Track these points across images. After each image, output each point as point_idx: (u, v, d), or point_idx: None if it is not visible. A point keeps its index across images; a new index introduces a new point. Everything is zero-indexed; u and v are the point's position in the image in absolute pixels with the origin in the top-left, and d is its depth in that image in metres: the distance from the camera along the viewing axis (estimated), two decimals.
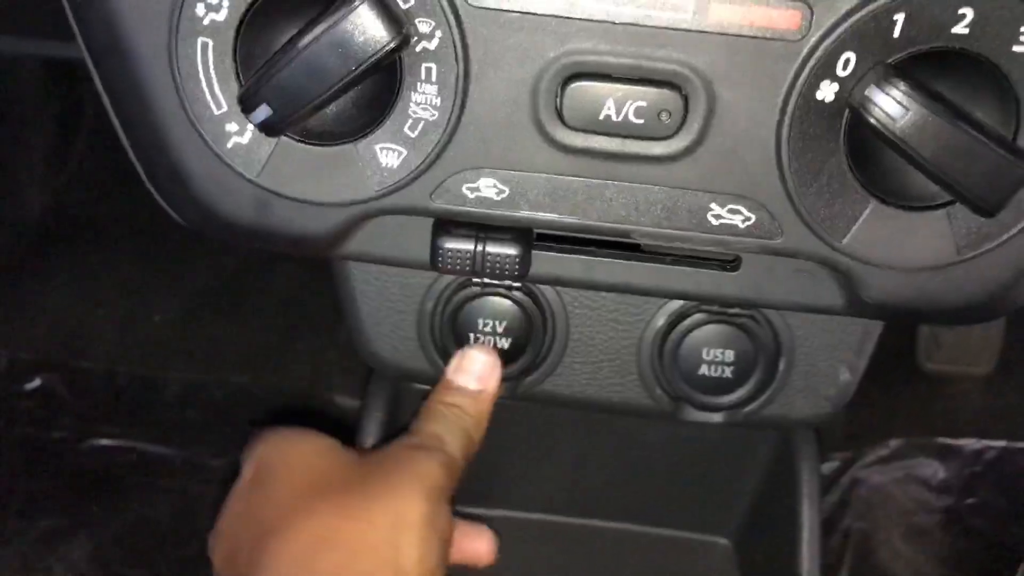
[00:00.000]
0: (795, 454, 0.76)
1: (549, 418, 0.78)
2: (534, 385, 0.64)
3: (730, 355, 0.65)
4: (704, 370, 0.64)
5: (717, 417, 0.65)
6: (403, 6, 0.38)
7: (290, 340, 1.36)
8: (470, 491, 0.83)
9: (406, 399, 0.74)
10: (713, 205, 0.42)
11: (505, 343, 0.61)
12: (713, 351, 0.65)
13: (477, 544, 0.67)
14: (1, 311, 1.39)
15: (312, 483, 0.51)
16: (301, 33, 0.37)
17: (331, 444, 0.56)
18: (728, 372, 0.65)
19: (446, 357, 0.62)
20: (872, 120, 0.37)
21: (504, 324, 0.61)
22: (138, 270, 1.42)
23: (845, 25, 0.37)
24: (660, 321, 0.61)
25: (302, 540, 0.48)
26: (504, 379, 0.63)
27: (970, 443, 1.32)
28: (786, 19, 0.37)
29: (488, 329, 0.60)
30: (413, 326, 0.61)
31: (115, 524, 1.22)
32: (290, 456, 0.54)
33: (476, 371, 0.60)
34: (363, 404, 0.73)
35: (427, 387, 0.61)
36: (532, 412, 0.71)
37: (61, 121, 1.47)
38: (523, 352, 0.62)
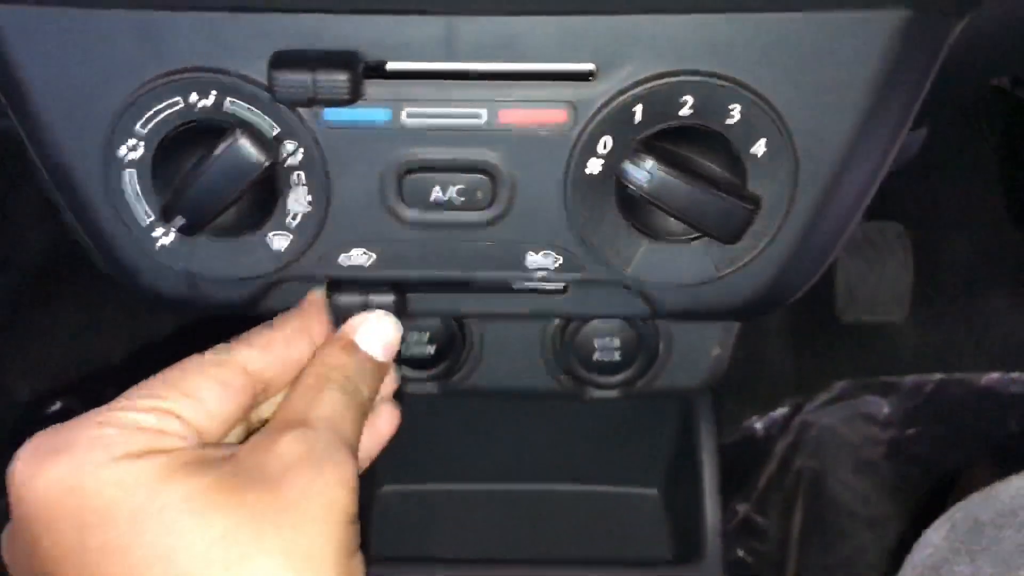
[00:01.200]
0: (695, 413, 0.89)
1: (485, 404, 0.90)
2: (460, 382, 0.76)
3: (616, 342, 0.78)
4: (598, 356, 0.77)
5: (614, 393, 0.78)
6: (271, 133, 0.50)
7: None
8: (415, 468, 0.96)
9: None
10: (529, 253, 0.54)
11: (431, 349, 0.74)
12: (602, 340, 0.77)
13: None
14: (18, 345, 1.51)
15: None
16: (199, 162, 0.49)
17: (159, 464, 0.37)
18: (617, 356, 0.77)
19: None
20: (628, 185, 0.49)
21: (428, 333, 0.73)
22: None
23: (599, 117, 0.49)
24: (556, 320, 0.73)
25: None
26: (433, 379, 0.76)
27: (909, 379, 1.40)
28: (556, 116, 0.49)
29: (415, 339, 0.73)
30: None
31: None
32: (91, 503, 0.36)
33: (385, 339, 0.51)
34: None
35: None
36: (470, 399, 0.83)
37: None
38: (447, 356, 0.74)
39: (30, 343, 1.51)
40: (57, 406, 1.44)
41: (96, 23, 0.48)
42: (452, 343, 0.74)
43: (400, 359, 0.74)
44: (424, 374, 0.75)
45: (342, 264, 0.55)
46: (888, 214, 1.38)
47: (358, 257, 0.54)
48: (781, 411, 1.42)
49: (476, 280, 0.56)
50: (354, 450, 0.44)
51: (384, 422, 0.51)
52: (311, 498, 0.39)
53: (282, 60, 0.47)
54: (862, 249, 1.30)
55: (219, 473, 0.38)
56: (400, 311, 0.58)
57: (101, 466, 0.37)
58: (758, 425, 1.43)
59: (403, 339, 0.62)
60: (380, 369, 0.50)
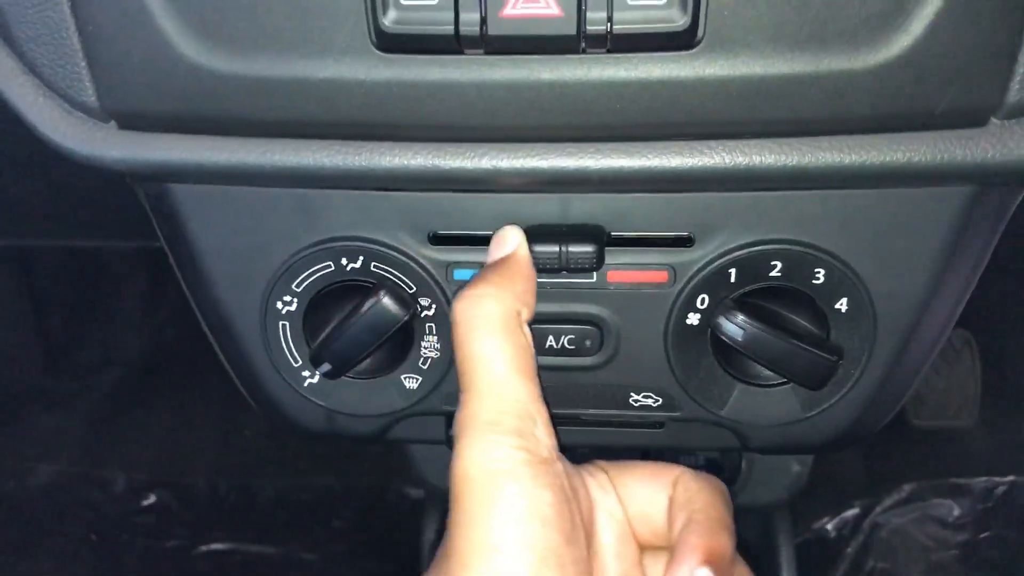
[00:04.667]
0: (774, 527, 0.92)
1: None
2: None
3: (702, 459, 0.83)
4: None
5: None
6: (409, 292, 0.57)
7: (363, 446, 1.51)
8: None
9: None
10: (632, 394, 0.60)
11: None
12: (687, 457, 0.83)
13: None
14: (116, 438, 1.60)
15: None
16: (347, 317, 0.56)
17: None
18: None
19: None
20: (723, 337, 0.55)
21: None
22: (228, 392, 1.60)
23: (697, 278, 0.55)
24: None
25: None
26: None
27: (980, 481, 1.41)
28: (658, 277, 0.56)
29: None
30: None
31: None
32: None
33: (505, 238, 0.54)
34: (423, 524, 0.93)
35: None
36: None
37: (151, 272, 1.68)
38: None
39: (128, 438, 1.60)
40: (151, 499, 1.52)
41: (259, 198, 0.56)
42: None
43: None
44: None
45: None
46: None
47: None
48: (852, 512, 1.43)
49: (583, 417, 0.62)
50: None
51: None
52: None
53: (536, 234, 0.54)
54: None
55: None
56: None
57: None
58: (829, 526, 1.44)
59: None
60: (514, 266, 0.52)
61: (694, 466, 0.82)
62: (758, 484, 0.83)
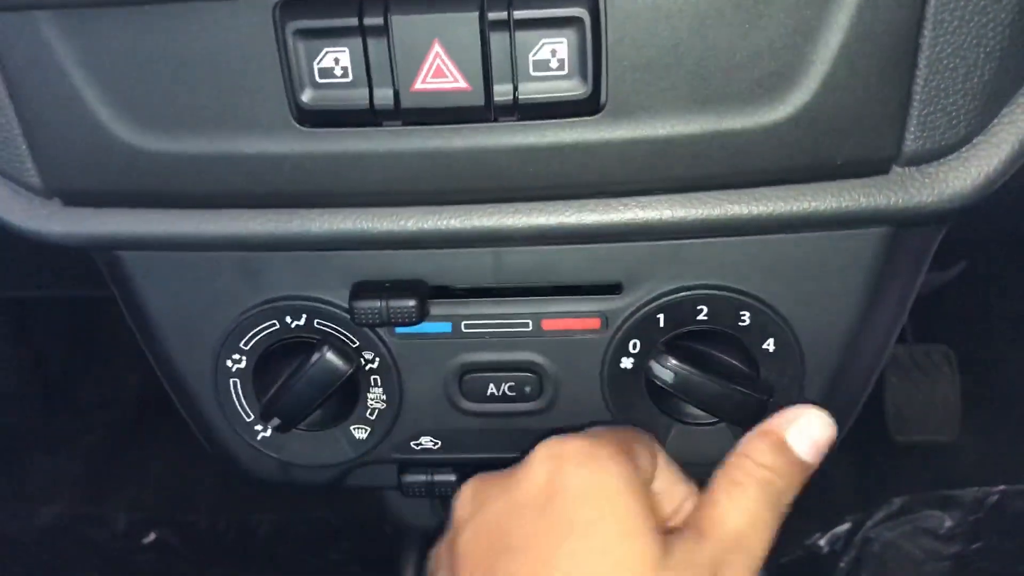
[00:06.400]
0: None
1: None
2: None
3: None
4: None
5: None
6: (352, 346, 0.59)
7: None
8: None
9: None
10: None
11: None
12: None
13: None
14: (117, 478, 1.62)
15: None
16: (293, 373, 0.58)
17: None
18: None
19: None
20: (655, 380, 0.57)
21: None
22: None
23: (628, 324, 0.57)
24: None
25: None
26: None
27: (971, 492, 1.40)
28: (590, 323, 0.58)
29: None
30: (426, 502, 0.81)
31: None
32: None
33: (817, 439, 0.50)
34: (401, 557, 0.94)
35: None
36: None
37: None
38: None
39: (128, 476, 1.62)
40: (151, 537, 1.54)
41: (205, 262, 0.58)
42: None
43: None
44: None
45: (413, 448, 0.63)
46: (935, 332, 1.44)
47: (426, 443, 0.63)
48: (843, 527, 1.44)
49: None
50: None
51: None
52: None
53: (360, 290, 0.57)
54: (910, 372, 1.34)
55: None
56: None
57: None
58: (821, 542, 1.45)
59: None
60: (806, 472, 0.49)
61: None
62: None
